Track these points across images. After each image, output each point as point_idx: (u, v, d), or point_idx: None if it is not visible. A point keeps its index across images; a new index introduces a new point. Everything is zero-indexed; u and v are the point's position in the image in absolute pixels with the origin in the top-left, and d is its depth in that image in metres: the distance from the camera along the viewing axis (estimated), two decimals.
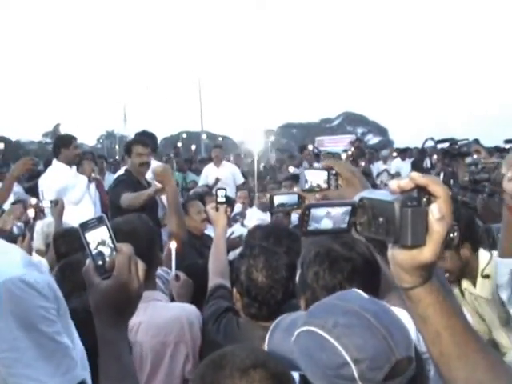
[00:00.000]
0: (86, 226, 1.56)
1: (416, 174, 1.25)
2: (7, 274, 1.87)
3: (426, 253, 1.25)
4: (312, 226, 1.41)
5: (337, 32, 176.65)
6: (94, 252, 1.56)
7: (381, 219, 1.26)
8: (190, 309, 3.35)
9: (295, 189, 2.44)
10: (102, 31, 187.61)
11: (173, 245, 3.95)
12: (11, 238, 4.86)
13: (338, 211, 1.39)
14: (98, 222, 1.57)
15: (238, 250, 6.10)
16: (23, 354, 1.86)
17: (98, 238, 1.57)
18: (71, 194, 7.27)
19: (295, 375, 1.94)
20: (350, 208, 1.37)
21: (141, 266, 1.60)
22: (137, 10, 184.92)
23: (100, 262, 1.56)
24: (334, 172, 2.33)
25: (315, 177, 2.34)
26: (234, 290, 3.01)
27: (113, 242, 1.57)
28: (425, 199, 1.25)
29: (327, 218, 1.40)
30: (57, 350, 1.92)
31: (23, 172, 7.16)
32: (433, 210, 1.23)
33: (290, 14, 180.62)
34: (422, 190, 1.25)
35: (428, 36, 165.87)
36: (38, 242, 6.00)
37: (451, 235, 1.28)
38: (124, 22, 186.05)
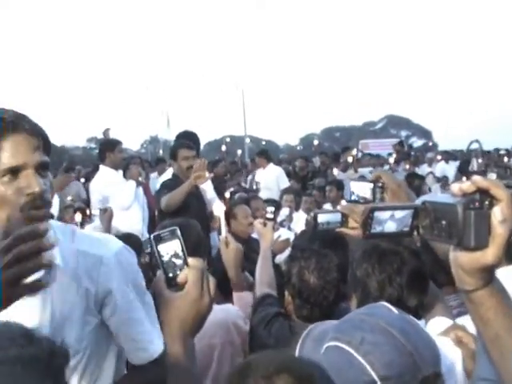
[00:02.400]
0: (158, 238, 1.57)
1: (478, 178, 1.26)
2: (116, 246, 2.21)
3: (489, 255, 1.26)
4: (376, 228, 1.43)
5: (378, 34, 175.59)
6: (165, 265, 1.58)
7: (443, 222, 1.27)
8: (233, 311, 3.42)
9: (339, 207, 2.45)
10: (144, 37, 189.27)
11: (221, 208, 4.09)
12: None
13: (401, 214, 1.40)
14: (171, 234, 1.58)
15: (284, 254, 6.13)
16: (141, 313, 2.23)
17: (170, 251, 1.58)
18: (120, 199, 7.29)
19: None
20: (412, 211, 1.38)
21: (212, 282, 1.63)
22: (175, 17, 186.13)
23: (171, 275, 1.58)
24: (379, 184, 2.34)
25: (360, 188, 2.36)
26: (286, 293, 3.03)
27: (184, 256, 1.58)
28: (487, 202, 1.25)
29: (391, 220, 1.42)
30: (153, 312, 2.26)
31: (64, 186, 7.26)
32: (495, 213, 1.24)
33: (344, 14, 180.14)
34: (484, 193, 1.26)
35: (473, 38, 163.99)
36: None
37: None
38: (164, 29, 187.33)
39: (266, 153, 13.12)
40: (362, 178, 2.48)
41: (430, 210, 1.32)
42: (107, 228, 5.96)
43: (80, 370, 2.13)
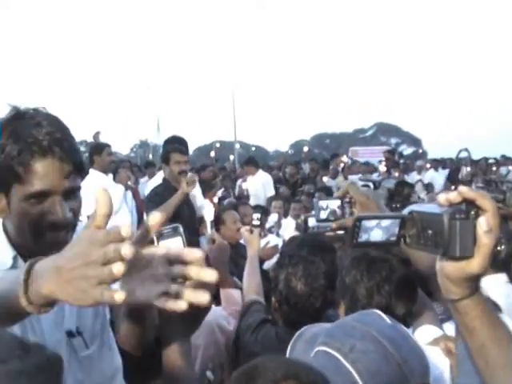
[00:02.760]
0: (161, 235, 1.57)
1: (465, 188, 1.28)
2: None
3: (474, 265, 1.27)
4: (362, 237, 1.44)
5: (370, 42, 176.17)
6: None
7: (430, 231, 1.28)
8: (217, 311, 3.46)
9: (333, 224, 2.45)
10: (135, 40, 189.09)
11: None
12: None
13: (387, 222, 1.41)
14: (174, 231, 1.58)
15: (273, 260, 6.14)
16: None
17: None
18: None
19: None
20: (399, 220, 1.39)
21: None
22: (167, 18, 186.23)
23: None
24: (347, 200, 2.36)
25: (329, 206, 2.37)
26: (273, 299, 3.03)
27: None
28: (473, 212, 1.27)
29: (377, 228, 1.42)
30: None
31: None
32: (481, 223, 1.25)
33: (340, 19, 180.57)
34: (470, 203, 1.27)
35: (461, 46, 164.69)
36: None
37: (498, 248, 1.29)
38: (154, 31, 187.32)
39: (253, 160, 13.10)
40: (329, 197, 2.49)
41: (416, 219, 1.33)
42: None
43: (96, 359, 2.04)
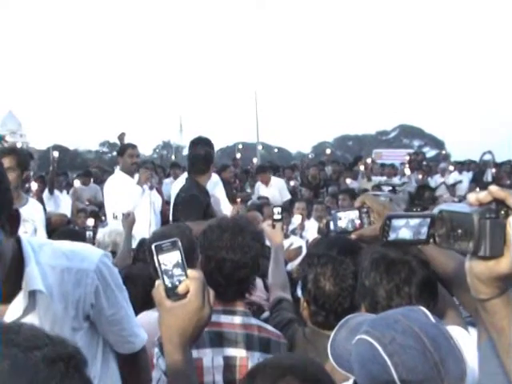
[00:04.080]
0: (160, 248, 1.61)
1: (494, 188, 1.29)
2: (97, 256, 2.30)
3: (504, 264, 1.28)
4: (391, 236, 1.46)
5: (392, 43, 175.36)
6: (164, 275, 1.62)
7: (459, 231, 1.30)
8: None
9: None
10: (159, 43, 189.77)
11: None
12: None
13: (416, 222, 1.43)
14: (172, 245, 1.62)
15: (296, 261, 6.15)
16: (125, 311, 2.42)
17: (171, 261, 1.62)
18: (121, 203, 7.22)
19: (350, 381, 1.99)
20: (428, 219, 1.41)
21: (211, 293, 1.69)
22: (190, 22, 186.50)
23: (170, 285, 1.62)
24: (365, 210, 2.37)
25: (348, 217, 2.39)
26: (302, 298, 3.04)
27: (184, 267, 1.62)
28: (503, 212, 1.28)
29: (406, 227, 1.44)
30: (130, 305, 2.50)
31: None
32: (511, 222, 1.26)
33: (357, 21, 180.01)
34: (500, 203, 1.28)
35: (486, 47, 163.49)
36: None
37: None
38: (179, 35, 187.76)
39: (264, 168, 13.12)
40: (347, 208, 2.50)
41: (446, 218, 1.34)
42: (129, 233, 5.95)
43: None
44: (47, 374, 1.00)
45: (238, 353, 2.77)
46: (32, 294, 2.06)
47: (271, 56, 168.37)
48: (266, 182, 12.31)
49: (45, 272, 2.12)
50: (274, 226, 4.07)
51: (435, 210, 1.40)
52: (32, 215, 5.72)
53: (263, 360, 1.70)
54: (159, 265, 1.61)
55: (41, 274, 2.09)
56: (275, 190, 11.93)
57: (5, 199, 1.90)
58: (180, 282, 1.62)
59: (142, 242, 5.46)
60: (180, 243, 1.63)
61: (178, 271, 1.62)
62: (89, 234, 5.83)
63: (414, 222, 1.44)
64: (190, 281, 1.62)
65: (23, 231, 5.42)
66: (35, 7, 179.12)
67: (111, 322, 2.36)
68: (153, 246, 1.62)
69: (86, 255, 2.28)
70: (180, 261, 1.62)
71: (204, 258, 2.87)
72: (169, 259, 1.61)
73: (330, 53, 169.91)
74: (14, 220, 1.96)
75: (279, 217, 4.32)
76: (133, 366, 2.56)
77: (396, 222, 1.46)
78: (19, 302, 2.04)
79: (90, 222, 6.43)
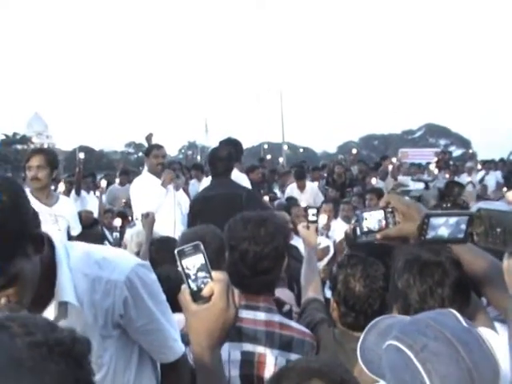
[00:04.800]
0: (182, 253, 1.62)
1: None
2: (129, 266, 2.25)
3: None
4: (430, 234, 1.43)
5: (417, 42, 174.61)
6: (189, 278, 1.62)
7: (498, 229, 1.28)
8: None
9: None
10: (186, 44, 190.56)
11: None
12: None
13: (455, 220, 1.40)
14: (195, 249, 1.62)
15: (323, 262, 6.13)
16: (159, 323, 2.35)
17: (194, 265, 1.62)
18: (145, 203, 7.23)
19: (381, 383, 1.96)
20: (466, 218, 1.38)
21: (236, 293, 1.69)
22: (216, 24, 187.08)
23: (195, 289, 1.62)
24: (390, 209, 2.34)
25: (373, 217, 2.37)
26: (332, 300, 3.03)
27: (208, 270, 1.63)
28: None
29: (445, 226, 1.42)
30: (170, 316, 2.43)
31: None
32: None
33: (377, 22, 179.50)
34: None
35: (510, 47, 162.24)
36: (128, 251, 6.12)
37: None
38: (205, 37, 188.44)
39: (303, 175, 13.07)
40: (372, 208, 2.47)
41: (484, 217, 1.32)
42: (149, 233, 5.97)
43: (110, 379, 2.29)
44: (26, 356, 1.03)
45: (256, 349, 2.79)
46: (63, 304, 2.09)
47: (297, 56, 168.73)
48: (302, 188, 12.32)
49: (77, 279, 2.13)
50: (308, 228, 4.05)
51: (473, 209, 1.38)
52: (64, 212, 5.80)
53: (290, 362, 1.69)
54: (183, 269, 1.62)
55: (72, 282, 2.11)
56: (310, 195, 11.92)
57: (25, 225, 1.90)
58: (205, 284, 1.62)
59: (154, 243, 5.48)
60: (202, 246, 1.63)
61: (202, 274, 1.62)
62: (115, 234, 5.85)
63: (452, 220, 1.41)
64: (214, 283, 1.62)
65: (57, 229, 5.49)
66: (56, 6, 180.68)
67: (142, 332, 2.34)
68: (175, 252, 1.63)
69: (118, 265, 2.25)
70: (204, 263, 1.62)
71: (228, 249, 2.89)
72: (192, 263, 1.62)
73: (357, 52, 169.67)
74: (38, 242, 1.96)
75: (314, 218, 4.30)
76: (169, 376, 2.54)
77: (435, 221, 1.43)
78: (50, 311, 2.07)
79: (117, 222, 6.47)
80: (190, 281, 1.62)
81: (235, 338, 2.74)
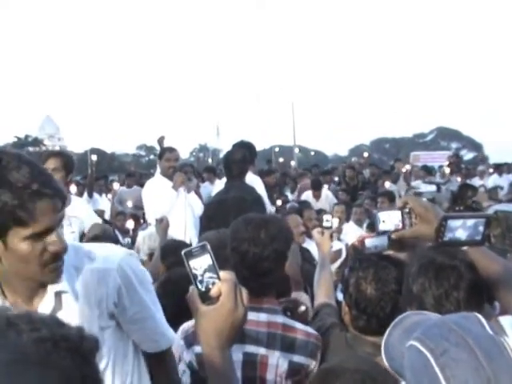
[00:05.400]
0: (190, 254, 1.62)
1: None
2: (119, 255, 2.36)
3: None
4: (447, 236, 1.42)
5: (427, 45, 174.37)
6: (197, 279, 1.63)
7: None
8: None
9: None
10: (199, 46, 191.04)
11: None
12: None
13: (472, 222, 1.39)
14: (202, 250, 1.63)
15: (336, 265, 6.12)
16: (150, 311, 2.44)
17: (202, 266, 1.62)
18: (156, 206, 7.24)
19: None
20: (484, 220, 1.37)
21: (245, 293, 1.68)
22: (223, 27, 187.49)
23: (203, 289, 1.62)
24: (407, 210, 2.33)
25: (390, 217, 2.36)
26: (343, 303, 3.01)
27: (216, 270, 1.63)
28: None
29: (462, 228, 1.41)
30: (159, 306, 2.53)
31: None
32: None
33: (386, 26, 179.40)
34: None
35: None
36: (141, 253, 6.13)
37: None
38: (217, 39, 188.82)
39: (319, 186, 13.04)
40: (390, 207, 2.48)
41: (501, 219, 1.31)
42: (163, 238, 5.97)
43: (110, 371, 2.35)
44: (31, 351, 1.04)
45: (258, 350, 2.83)
46: (58, 295, 2.15)
47: (309, 59, 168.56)
48: (317, 197, 12.35)
49: (69, 273, 2.19)
50: (322, 233, 4.06)
51: (490, 211, 1.37)
52: (77, 212, 5.81)
53: (339, 361, 1.68)
54: (190, 270, 1.62)
55: (65, 275, 2.16)
56: (325, 204, 11.89)
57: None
58: (213, 285, 1.63)
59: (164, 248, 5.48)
60: (209, 246, 1.64)
61: (209, 275, 1.63)
62: (127, 240, 5.84)
63: (470, 222, 1.40)
64: (222, 283, 1.62)
65: (70, 231, 5.50)
66: (68, 7, 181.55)
67: (134, 320, 2.40)
68: (182, 253, 1.63)
69: (109, 255, 2.34)
70: (211, 264, 1.63)
71: (230, 250, 2.92)
72: (199, 264, 1.62)
73: (368, 54, 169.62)
74: None
75: (329, 224, 4.32)
76: (160, 366, 2.60)
77: (452, 223, 1.42)
78: (47, 303, 2.13)
79: (130, 224, 6.47)
80: (197, 282, 1.63)
81: (237, 339, 2.73)
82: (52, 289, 2.13)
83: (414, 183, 13.35)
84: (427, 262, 2.42)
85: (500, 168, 18.26)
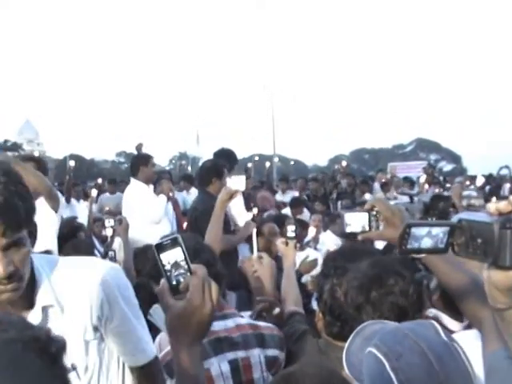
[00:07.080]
0: (161, 247, 1.60)
1: None
2: (103, 268, 2.33)
3: None
4: (412, 244, 1.45)
5: (408, 54, 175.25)
6: (168, 273, 1.61)
7: (479, 240, 1.29)
8: None
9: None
10: (177, 53, 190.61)
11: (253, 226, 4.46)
12: None
13: (438, 231, 1.42)
14: (173, 242, 1.61)
15: (312, 274, 6.14)
16: (132, 325, 2.39)
17: (173, 259, 1.60)
18: (152, 213, 7.33)
19: None
20: (447, 228, 1.40)
21: (214, 288, 1.64)
22: (210, 32, 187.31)
23: (174, 283, 1.61)
24: (374, 213, 2.37)
25: (356, 219, 2.39)
26: (317, 309, 3.03)
27: (187, 264, 1.61)
28: None
29: (428, 237, 1.44)
30: (143, 321, 2.47)
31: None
32: None
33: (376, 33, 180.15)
34: None
35: (504, 62, 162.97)
36: (117, 258, 6.12)
37: None
38: (198, 46, 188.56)
39: (300, 204, 12.87)
40: (356, 209, 2.53)
41: (466, 227, 1.34)
42: (125, 239, 5.98)
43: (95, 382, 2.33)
44: (1, 352, 1.04)
45: (237, 355, 2.84)
46: (45, 309, 2.14)
47: (288, 68, 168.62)
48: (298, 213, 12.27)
49: (55, 287, 2.17)
50: (287, 244, 4.09)
51: (454, 219, 1.40)
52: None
53: (298, 367, 1.71)
54: (161, 263, 1.61)
55: (51, 287, 2.16)
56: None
57: (32, 208, 1.96)
58: (183, 279, 1.61)
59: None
60: (181, 239, 1.61)
61: (181, 268, 1.61)
62: (111, 254, 5.85)
63: (435, 230, 1.43)
64: (191, 277, 1.60)
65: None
66: (47, 14, 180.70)
67: (116, 334, 2.37)
68: (154, 246, 1.61)
69: (92, 268, 2.31)
70: (182, 257, 1.60)
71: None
72: (171, 257, 1.60)
73: (349, 67, 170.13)
74: (35, 231, 2.04)
75: (293, 235, 4.36)
76: (148, 380, 2.55)
77: (417, 231, 1.45)
78: (34, 317, 2.10)
79: (109, 231, 6.46)
80: (167, 275, 1.61)
81: (219, 350, 2.79)
82: (39, 303, 2.12)
83: (389, 195, 13.43)
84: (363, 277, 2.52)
85: (476, 180, 18.37)
